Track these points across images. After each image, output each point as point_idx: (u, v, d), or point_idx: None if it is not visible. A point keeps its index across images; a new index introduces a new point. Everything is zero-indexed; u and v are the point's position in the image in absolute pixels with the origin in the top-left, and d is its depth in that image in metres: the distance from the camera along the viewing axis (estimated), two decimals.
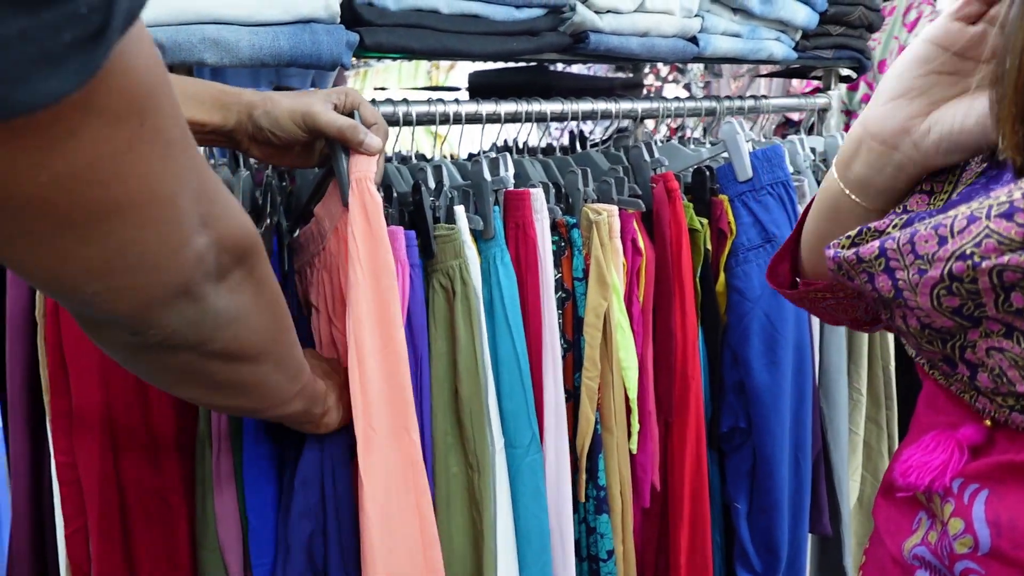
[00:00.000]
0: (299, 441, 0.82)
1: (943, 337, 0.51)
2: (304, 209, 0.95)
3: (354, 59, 0.95)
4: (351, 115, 0.76)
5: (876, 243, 0.51)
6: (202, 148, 0.95)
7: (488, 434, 0.88)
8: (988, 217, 0.45)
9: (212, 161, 1.05)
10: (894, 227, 0.52)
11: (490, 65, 1.70)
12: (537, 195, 0.93)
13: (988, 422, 0.53)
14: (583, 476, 0.97)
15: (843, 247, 0.55)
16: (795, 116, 2.94)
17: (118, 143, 0.33)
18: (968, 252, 0.45)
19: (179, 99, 0.37)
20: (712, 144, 1.34)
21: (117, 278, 0.38)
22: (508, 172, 0.93)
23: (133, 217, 0.36)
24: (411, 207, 0.90)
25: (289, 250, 0.93)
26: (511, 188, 0.94)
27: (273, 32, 0.84)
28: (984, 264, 0.45)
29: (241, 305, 0.48)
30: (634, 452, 1.03)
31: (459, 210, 0.88)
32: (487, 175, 0.91)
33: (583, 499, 0.98)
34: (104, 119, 0.32)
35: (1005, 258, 0.44)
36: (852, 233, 0.54)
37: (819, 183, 1.28)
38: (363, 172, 0.75)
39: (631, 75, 1.98)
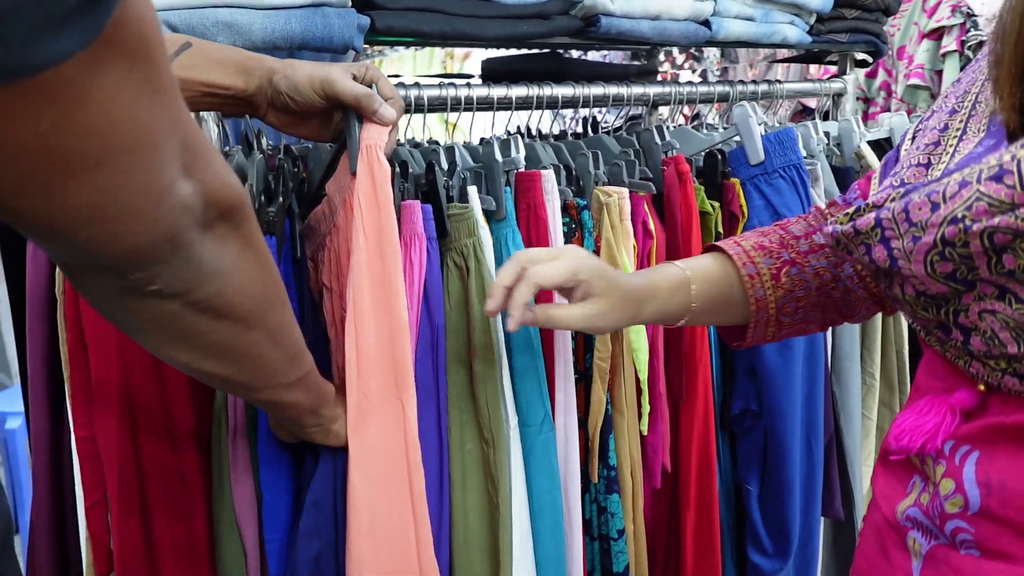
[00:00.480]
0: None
1: (937, 303, 0.52)
2: (317, 192, 0.96)
3: (368, 47, 0.97)
4: (369, 87, 0.77)
5: (872, 215, 0.52)
6: (215, 133, 0.97)
7: (503, 411, 0.89)
8: (979, 181, 0.45)
9: (227, 148, 1.06)
10: (891, 200, 0.52)
11: (504, 52, 1.70)
12: (548, 176, 0.93)
13: (982, 387, 0.53)
14: (595, 456, 0.97)
15: (841, 223, 0.55)
16: (812, 104, 2.91)
17: (116, 92, 0.34)
18: (959, 216, 0.46)
19: (204, 62, 0.38)
20: (726, 129, 1.34)
21: (109, 223, 0.39)
22: (519, 153, 0.94)
23: (124, 163, 0.37)
24: (425, 187, 0.91)
25: (301, 237, 0.94)
26: (522, 169, 0.95)
27: (285, 15, 0.85)
28: (975, 227, 0.45)
29: (226, 258, 0.49)
30: (644, 433, 1.04)
31: (472, 190, 0.89)
32: (499, 156, 0.92)
33: (595, 479, 0.99)
34: (104, 71, 0.33)
35: (996, 220, 0.44)
36: (851, 211, 0.55)
37: (832, 167, 1.27)
38: (374, 140, 0.75)
39: (645, 62, 1.97)
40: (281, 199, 0.87)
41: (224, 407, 0.80)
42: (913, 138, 0.66)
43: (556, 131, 1.52)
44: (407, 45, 2.60)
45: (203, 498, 0.86)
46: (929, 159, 0.57)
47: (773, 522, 1.17)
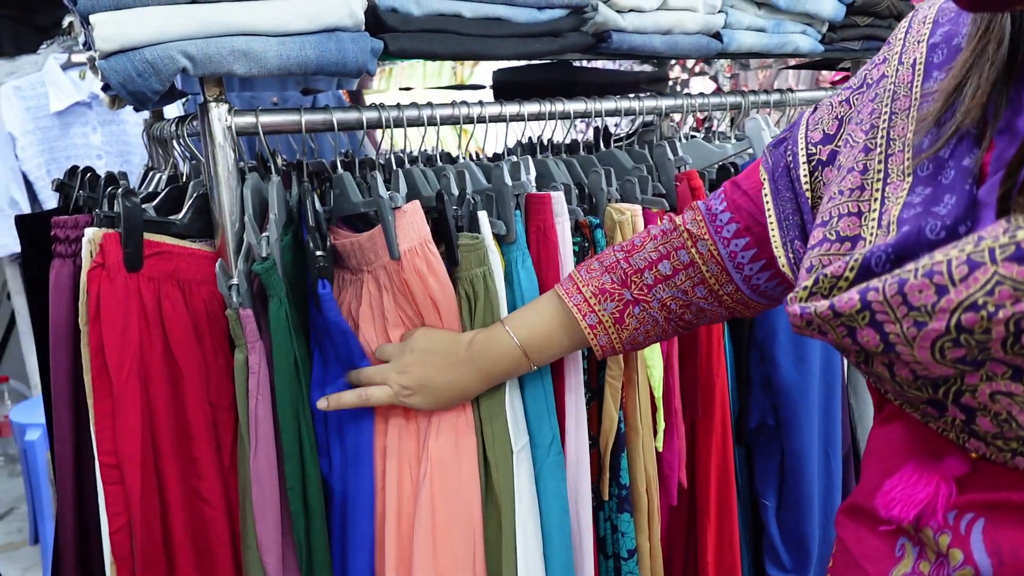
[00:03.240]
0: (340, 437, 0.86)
1: (935, 384, 0.48)
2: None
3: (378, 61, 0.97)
4: None
5: (855, 295, 0.47)
6: (230, 148, 0.96)
7: (509, 433, 0.89)
8: (994, 261, 0.41)
9: (242, 164, 1.07)
10: (851, 270, 0.49)
11: (514, 62, 1.70)
12: (558, 198, 0.94)
13: (973, 454, 0.51)
14: (607, 475, 0.98)
15: (802, 299, 0.51)
16: None
17: None
18: (980, 302, 0.42)
19: None
20: (738, 138, 1.34)
21: None
22: (529, 175, 0.94)
23: None
24: (435, 216, 0.91)
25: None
26: (532, 191, 0.95)
27: (300, 42, 0.86)
28: (1001, 314, 0.41)
29: None
30: (660, 450, 1.04)
31: (482, 215, 0.89)
32: (508, 180, 0.92)
33: (606, 497, 0.99)
34: None
35: (1023, 305, 0.41)
36: (808, 283, 0.51)
37: None
38: (421, 237, 0.84)
39: (656, 68, 1.97)
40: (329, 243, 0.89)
41: (247, 431, 0.81)
42: (812, 165, 0.64)
43: (568, 140, 1.52)
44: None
45: (227, 523, 0.87)
46: (859, 207, 0.55)
47: (791, 537, 1.17)
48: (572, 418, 0.95)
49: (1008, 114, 0.50)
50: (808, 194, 0.65)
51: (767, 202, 0.69)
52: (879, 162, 0.56)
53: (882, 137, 0.56)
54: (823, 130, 0.65)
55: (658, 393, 1.01)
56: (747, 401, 1.17)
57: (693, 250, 0.79)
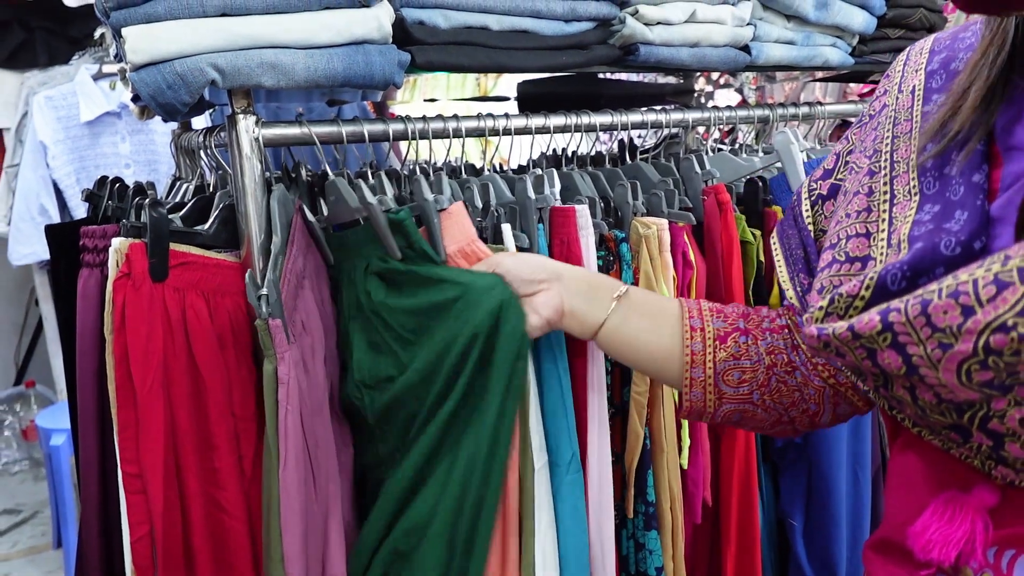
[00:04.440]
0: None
1: (960, 409, 0.47)
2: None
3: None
4: None
5: (875, 316, 0.46)
6: (256, 160, 0.97)
7: (528, 450, 0.88)
8: (1023, 281, 0.40)
9: (268, 173, 1.08)
10: (866, 289, 0.48)
11: (539, 74, 1.70)
12: (582, 212, 0.93)
13: (1000, 482, 0.49)
14: (631, 492, 0.96)
15: (818, 320, 0.51)
16: (853, 120, 2.86)
17: None
18: (1010, 323, 0.41)
19: None
20: (766, 152, 1.32)
21: None
22: (554, 189, 0.94)
23: None
24: None
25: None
26: (556, 205, 0.95)
27: (328, 54, 0.86)
28: None
29: None
30: (685, 467, 1.02)
31: (506, 228, 0.89)
32: (531, 194, 0.92)
33: (631, 515, 0.97)
34: None
35: None
36: (823, 303, 0.50)
37: None
38: (468, 237, 0.84)
39: (681, 81, 1.96)
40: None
41: (275, 443, 0.80)
42: (812, 199, 0.65)
43: (593, 151, 1.52)
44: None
45: (247, 534, 0.87)
46: (867, 228, 0.55)
47: (819, 558, 1.15)
48: (595, 435, 0.94)
49: (1018, 129, 0.50)
50: (810, 227, 0.66)
51: (774, 243, 0.70)
52: (884, 183, 0.56)
53: (886, 160, 0.57)
54: (824, 167, 0.67)
55: None
56: None
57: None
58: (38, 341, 3.30)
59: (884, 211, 0.54)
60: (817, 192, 0.67)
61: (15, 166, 2.63)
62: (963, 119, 0.51)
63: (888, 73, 0.64)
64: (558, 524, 0.90)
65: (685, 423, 1.01)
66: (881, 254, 0.53)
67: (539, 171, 0.99)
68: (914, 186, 0.53)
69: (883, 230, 0.53)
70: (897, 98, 0.60)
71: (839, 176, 0.66)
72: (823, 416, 0.74)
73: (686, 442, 1.01)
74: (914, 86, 0.59)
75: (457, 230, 0.85)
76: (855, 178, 0.59)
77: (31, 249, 2.59)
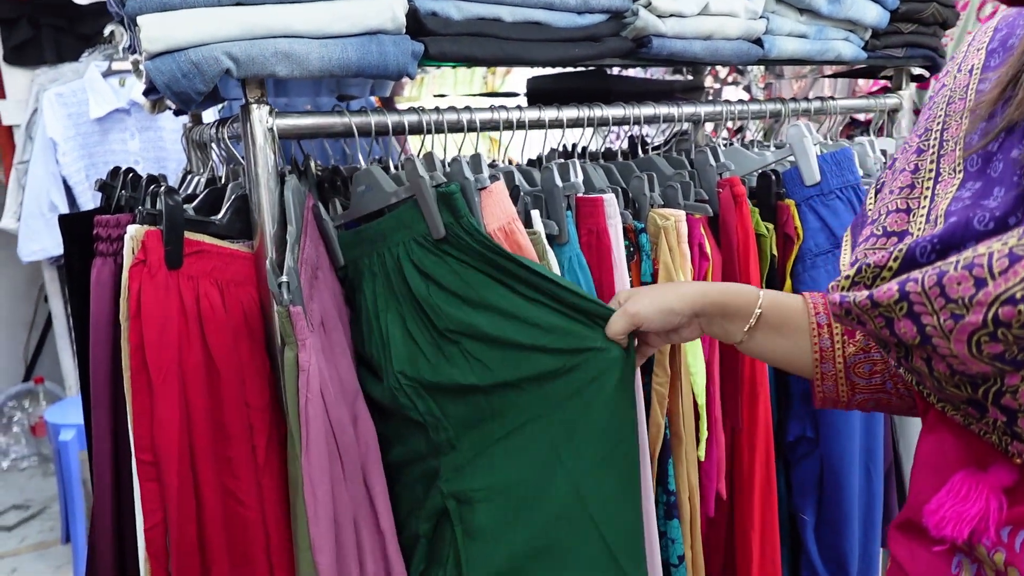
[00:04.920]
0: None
1: (974, 382, 0.47)
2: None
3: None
4: None
5: (894, 285, 0.47)
6: (270, 150, 0.96)
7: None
8: None
9: (283, 168, 1.08)
10: (895, 260, 0.49)
11: (548, 70, 1.70)
12: (610, 201, 0.93)
13: (1017, 460, 0.49)
14: (654, 481, 0.96)
15: (844, 288, 0.51)
16: (861, 116, 2.86)
17: None
18: (1019, 296, 0.41)
19: None
20: (776, 147, 1.32)
21: None
22: (579, 178, 0.93)
23: None
24: None
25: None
26: (582, 194, 0.94)
27: (342, 44, 0.86)
28: None
29: None
30: (702, 459, 1.02)
31: (535, 215, 0.89)
32: (558, 181, 0.91)
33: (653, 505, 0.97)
34: None
35: None
36: (850, 272, 0.51)
37: None
38: (509, 216, 0.83)
39: (690, 77, 1.95)
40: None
41: (298, 431, 0.80)
42: (878, 189, 0.64)
43: (602, 149, 1.51)
44: (453, 65, 2.62)
45: (261, 523, 0.87)
46: (908, 204, 0.55)
47: (830, 554, 1.14)
48: None
49: None
50: (870, 215, 0.65)
51: (846, 236, 0.69)
52: (931, 162, 0.55)
53: (935, 139, 0.56)
54: (893, 156, 0.66)
55: (701, 401, 0.99)
56: (786, 413, 1.15)
57: None
58: (47, 337, 3.32)
59: (927, 188, 0.54)
60: (881, 180, 0.66)
61: (25, 162, 2.64)
62: (1012, 111, 0.51)
63: (954, 55, 0.64)
64: None
65: (703, 415, 1.01)
66: (919, 229, 0.53)
67: (562, 161, 0.99)
68: (959, 164, 0.53)
69: (923, 207, 0.53)
70: (955, 77, 0.60)
71: (893, 166, 0.65)
72: None
73: (703, 434, 1.01)
74: (973, 65, 0.59)
75: (498, 209, 0.85)
76: (904, 156, 0.59)
77: (40, 245, 2.60)
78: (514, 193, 0.92)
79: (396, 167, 1.01)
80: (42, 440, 3.28)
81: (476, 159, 0.90)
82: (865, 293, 0.49)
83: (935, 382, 0.50)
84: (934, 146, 0.56)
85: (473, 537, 0.84)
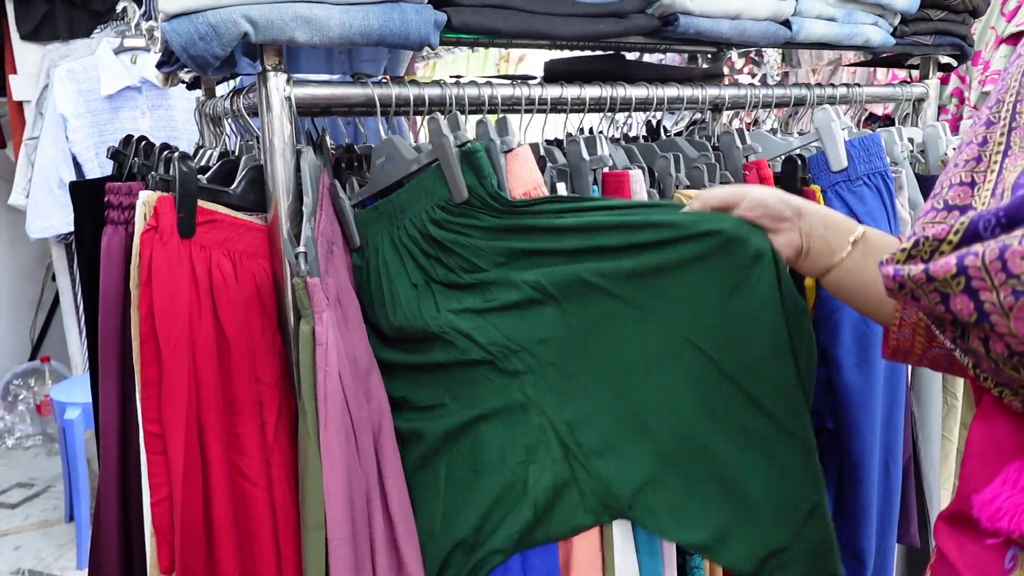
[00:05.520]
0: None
1: None
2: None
3: (427, 48, 0.94)
4: None
5: (952, 259, 0.45)
6: (287, 119, 0.94)
7: None
8: None
9: (299, 146, 1.06)
10: (955, 233, 0.46)
11: (566, 53, 1.67)
12: (637, 177, 0.91)
13: None
14: None
15: (899, 261, 0.49)
16: (878, 111, 2.82)
17: None
18: None
19: None
20: (802, 134, 1.29)
21: None
22: (606, 152, 0.91)
23: None
24: None
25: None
26: (609, 168, 0.92)
27: (363, 10, 0.84)
28: None
29: None
30: None
31: (560, 188, 0.87)
32: (585, 155, 0.89)
33: None
34: None
35: None
36: (907, 245, 0.49)
37: (917, 175, 1.21)
38: (536, 181, 0.81)
39: (710, 65, 1.92)
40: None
41: (312, 402, 0.77)
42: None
43: (619, 135, 1.49)
44: (471, 46, 2.60)
45: (268, 501, 0.85)
46: (972, 177, 0.53)
47: (846, 547, 1.12)
48: None
49: None
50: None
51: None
52: (1001, 134, 0.53)
53: (1007, 110, 0.54)
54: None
55: None
56: None
57: None
58: (54, 316, 3.31)
59: (995, 161, 0.52)
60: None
61: (35, 138, 2.63)
62: None
63: None
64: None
65: None
66: (983, 203, 0.51)
67: (587, 134, 0.96)
68: None
69: (990, 180, 0.51)
70: None
71: (961, 140, 0.62)
72: None
73: None
74: None
75: (524, 172, 0.82)
76: (973, 129, 0.56)
77: (49, 223, 2.58)
78: (540, 164, 0.89)
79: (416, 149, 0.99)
80: (47, 419, 3.27)
81: (502, 122, 0.87)
82: (920, 267, 0.46)
83: (992, 364, 0.47)
84: (1005, 118, 0.54)
85: (600, 454, 0.81)
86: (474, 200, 0.81)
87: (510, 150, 0.82)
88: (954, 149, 0.60)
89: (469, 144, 0.82)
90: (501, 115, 0.87)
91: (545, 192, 0.83)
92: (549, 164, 0.89)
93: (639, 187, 0.90)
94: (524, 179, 0.82)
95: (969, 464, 0.56)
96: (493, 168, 0.81)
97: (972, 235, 0.46)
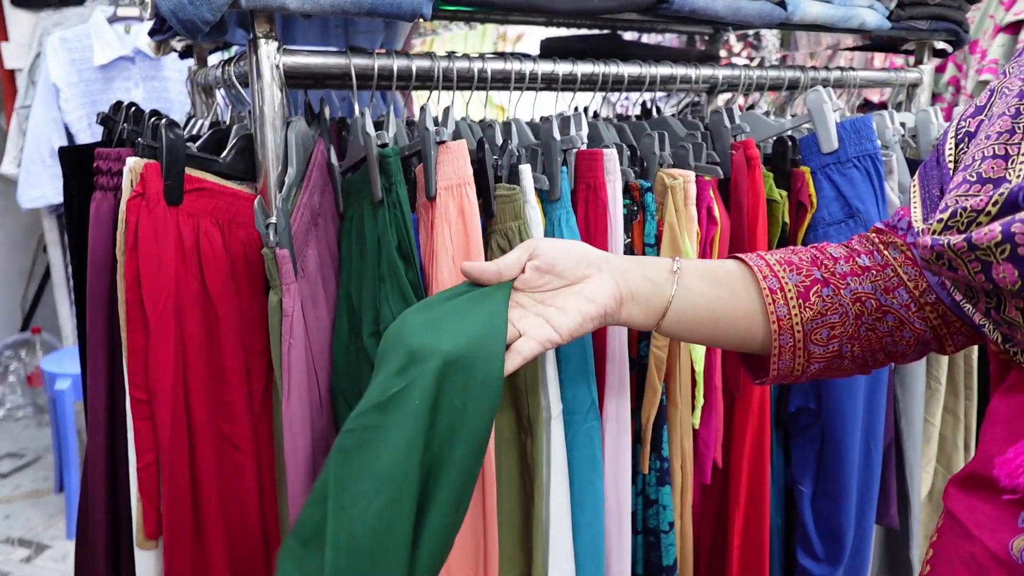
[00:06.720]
0: None
1: None
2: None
3: (421, 26, 0.94)
4: None
5: (996, 227, 0.44)
6: (277, 88, 0.94)
7: (543, 398, 0.86)
8: None
9: (290, 117, 1.05)
10: (994, 204, 0.46)
11: (562, 31, 1.67)
12: (610, 155, 0.90)
13: None
14: (647, 447, 0.95)
15: (936, 232, 0.49)
16: (875, 99, 2.81)
17: None
18: None
19: None
20: (794, 116, 1.29)
21: None
22: (580, 131, 0.90)
23: None
24: (476, 166, 0.88)
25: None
26: (582, 148, 0.92)
27: None
28: None
29: None
30: (696, 427, 1.01)
31: (524, 169, 0.86)
32: (557, 134, 0.89)
33: (645, 470, 0.96)
34: None
35: None
36: (943, 216, 0.48)
37: (907, 159, 1.22)
38: (462, 178, 0.80)
39: (707, 47, 1.91)
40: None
41: (279, 372, 0.78)
42: (958, 138, 0.60)
43: (613, 116, 1.48)
44: (467, 22, 2.57)
45: (255, 469, 0.86)
46: (1006, 150, 0.52)
47: (826, 526, 1.13)
48: (614, 386, 0.92)
49: None
50: (951, 166, 0.62)
51: (913, 184, 0.65)
52: None
53: None
54: (976, 104, 0.62)
55: (699, 367, 0.97)
56: (788, 384, 1.13)
57: (887, 252, 0.71)
58: (45, 288, 3.30)
59: None
60: (965, 130, 0.61)
61: (27, 107, 2.61)
62: None
63: None
64: (574, 473, 0.88)
65: (700, 382, 0.99)
66: (1018, 176, 0.50)
67: (567, 113, 0.96)
68: None
69: None
70: None
71: (988, 113, 0.60)
72: (910, 356, 0.71)
73: (700, 401, 0.99)
74: None
75: (451, 168, 0.81)
76: (1003, 101, 0.55)
77: (40, 192, 2.57)
78: (503, 147, 0.89)
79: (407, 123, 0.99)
80: (38, 390, 3.28)
81: (446, 112, 0.87)
82: (961, 236, 0.46)
83: None
84: None
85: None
86: (388, 203, 0.82)
87: (442, 142, 0.81)
88: (973, 119, 0.59)
89: (387, 147, 0.81)
90: (448, 107, 0.87)
91: (471, 190, 0.82)
92: (513, 145, 0.89)
93: (612, 165, 0.89)
94: (449, 175, 0.81)
95: (992, 430, 0.56)
96: (425, 160, 0.81)
97: (1011, 205, 0.46)
